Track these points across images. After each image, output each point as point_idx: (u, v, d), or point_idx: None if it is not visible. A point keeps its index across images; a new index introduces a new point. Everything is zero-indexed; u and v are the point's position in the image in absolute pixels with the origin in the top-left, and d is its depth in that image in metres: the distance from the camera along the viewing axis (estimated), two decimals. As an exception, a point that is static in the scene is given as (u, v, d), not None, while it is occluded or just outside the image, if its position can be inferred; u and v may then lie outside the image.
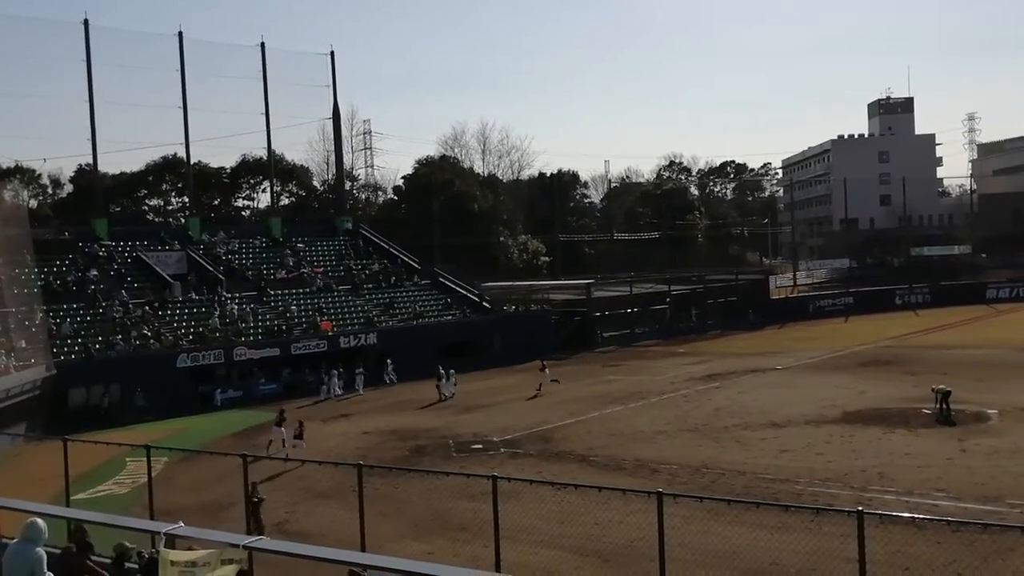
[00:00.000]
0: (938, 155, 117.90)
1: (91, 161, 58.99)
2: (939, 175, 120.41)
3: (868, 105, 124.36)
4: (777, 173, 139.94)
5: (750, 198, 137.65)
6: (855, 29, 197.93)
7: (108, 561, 10.59)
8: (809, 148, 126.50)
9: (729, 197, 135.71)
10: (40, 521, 8.80)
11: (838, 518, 12.83)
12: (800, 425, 32.35)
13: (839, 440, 29.55)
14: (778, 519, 16.97)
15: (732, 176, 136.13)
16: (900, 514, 16.88)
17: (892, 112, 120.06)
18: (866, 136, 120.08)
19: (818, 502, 21.15)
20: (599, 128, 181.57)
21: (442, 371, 43.55)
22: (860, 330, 62.68)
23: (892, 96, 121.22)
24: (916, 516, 16.38)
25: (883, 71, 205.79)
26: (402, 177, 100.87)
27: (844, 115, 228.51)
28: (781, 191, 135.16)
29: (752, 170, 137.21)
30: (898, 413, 33.18)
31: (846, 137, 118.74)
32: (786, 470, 25.71)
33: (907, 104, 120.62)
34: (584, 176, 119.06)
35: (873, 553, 11.82)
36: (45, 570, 8.93)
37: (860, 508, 11.78)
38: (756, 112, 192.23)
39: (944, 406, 32.19)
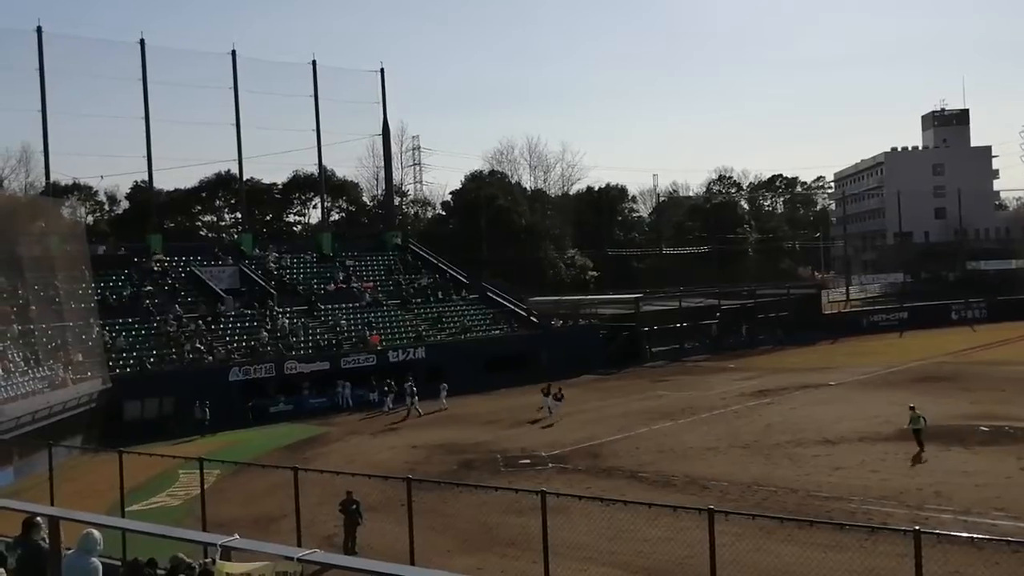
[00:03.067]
0: (995, 167, 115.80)
1: (146, 178, 60.66)
2: (996, 188, 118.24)
3: (922, 117, 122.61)
4: (829, 186, 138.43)
5: (801, 212, 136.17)
6: (908, 40, 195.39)
7: (163, 573, 10.73)
8: (862, 161, 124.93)
9: (780, 211, 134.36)
10: (96, 532, 8.93)
11: (894, 537, 12.65)
12: (854, 442, 31.88)
13: (894, 457, 29.05)
14: (832, 538, 16.71)
15: (783, 189, 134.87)
16: (958, 534, 16.55)
17: (947, 124, 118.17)
18: (920, 148, 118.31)
19: (873, 521, 20.84)
20: (648, 142, 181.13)
21: (411, 387, 44.20)
22: (915, 346, 61.60)
23: (947, 108, 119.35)
24: (974, 536, 16.00)
25: (937, 82, 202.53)
26: (450, 192, 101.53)
27: (898, 127, 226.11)
28: (833, 204, 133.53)
29: (804, 183, 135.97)
30: (954, 430, 32.50)
31: (899, 150, 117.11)
32: (840, 488, 25.33)
33: (962, 116, 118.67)
34: (632, 190, 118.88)
35: (930, 573, 11.59)
36: (101, 580, 9.06)
37: (917, 527, 11.59)
38: (808, 125, 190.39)
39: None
